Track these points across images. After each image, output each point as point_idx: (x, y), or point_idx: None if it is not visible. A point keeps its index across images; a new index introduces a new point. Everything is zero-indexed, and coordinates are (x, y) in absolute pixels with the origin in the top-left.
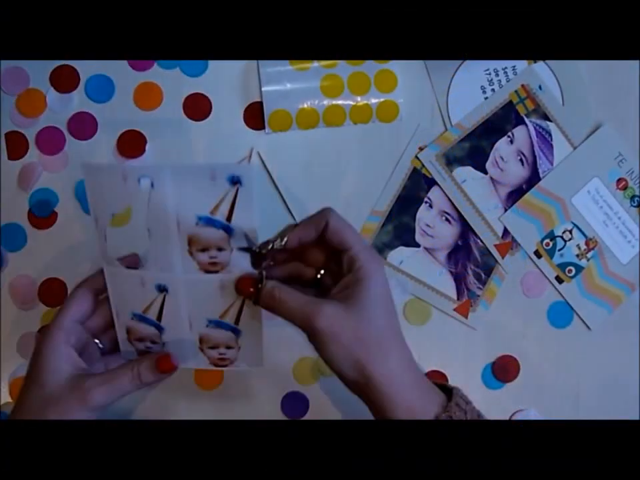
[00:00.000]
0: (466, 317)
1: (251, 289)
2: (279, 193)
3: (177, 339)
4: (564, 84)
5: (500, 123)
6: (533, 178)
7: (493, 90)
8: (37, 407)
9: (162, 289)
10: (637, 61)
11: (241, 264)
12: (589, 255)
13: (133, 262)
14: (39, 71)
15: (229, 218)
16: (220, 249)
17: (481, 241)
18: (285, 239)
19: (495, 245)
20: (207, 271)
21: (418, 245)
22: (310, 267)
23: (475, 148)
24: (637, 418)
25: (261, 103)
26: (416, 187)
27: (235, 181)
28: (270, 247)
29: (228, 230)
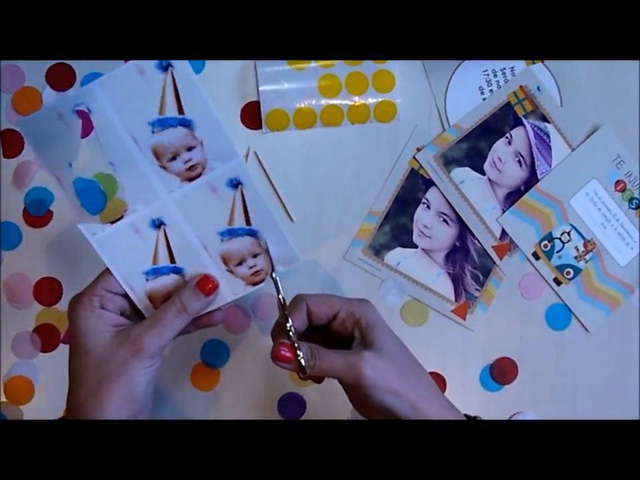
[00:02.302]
0: (464, 319)
1: (289, 356)
2: (276, 192)
3: (201, 272)
4: (562, 85)
5: (498, 124)
6: (531, 179)
7: (491, 91)
8: (91, 373)
9: (158, 224)
10: (636, 63)
11: (218, 154)
12: (587, 257)
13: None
14: (34, 69)
15: (180, 110)
16: (190, 149)
17: (479, 243)
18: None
19: (493, 247)
20: (190, 179)
21: (415, 246)
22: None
23: (472, 149)
24: (637, 418)
25: (258, 103)
26: (414, 188)
27: (166, 66)
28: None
29: (186, 123)
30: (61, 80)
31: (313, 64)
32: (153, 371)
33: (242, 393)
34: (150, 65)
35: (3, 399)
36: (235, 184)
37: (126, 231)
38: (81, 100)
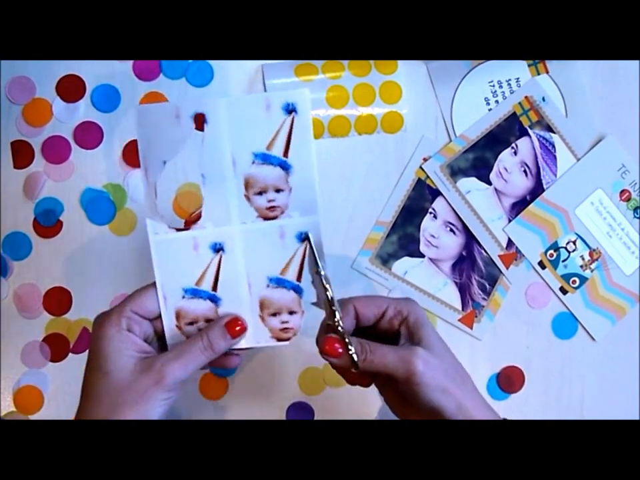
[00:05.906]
0: (471, 328)
1: (340, 351)
2: None
3: (235, 310)
4: (567, 96)
5: (504, 134)
6: (537, 189)
7: (496, 101)
8: (108, 397)
9: (218, 249)
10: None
11: (301, 205)
12: (592, 266)
13: (191, 220)
14: (45, 81)
15: (285, 153)
16: (278, 190)
17: (485, 252)
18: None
19: (499, 256)
20: (266, 218)
21: (422, 256)
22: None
23: (479, 159)
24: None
25: None
26: (420, 198)
27: (291, 110)
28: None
29: (285, 167)
30: (71, 91)
31: (321, 75)
32: (168, 404)
33: (250, 402)
34: (277, 104)
35: (13, 408)
36: (303, 238)
37: (186, 242)
38: (202, 108)
